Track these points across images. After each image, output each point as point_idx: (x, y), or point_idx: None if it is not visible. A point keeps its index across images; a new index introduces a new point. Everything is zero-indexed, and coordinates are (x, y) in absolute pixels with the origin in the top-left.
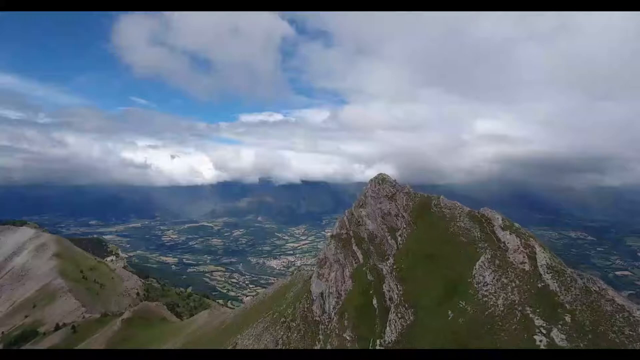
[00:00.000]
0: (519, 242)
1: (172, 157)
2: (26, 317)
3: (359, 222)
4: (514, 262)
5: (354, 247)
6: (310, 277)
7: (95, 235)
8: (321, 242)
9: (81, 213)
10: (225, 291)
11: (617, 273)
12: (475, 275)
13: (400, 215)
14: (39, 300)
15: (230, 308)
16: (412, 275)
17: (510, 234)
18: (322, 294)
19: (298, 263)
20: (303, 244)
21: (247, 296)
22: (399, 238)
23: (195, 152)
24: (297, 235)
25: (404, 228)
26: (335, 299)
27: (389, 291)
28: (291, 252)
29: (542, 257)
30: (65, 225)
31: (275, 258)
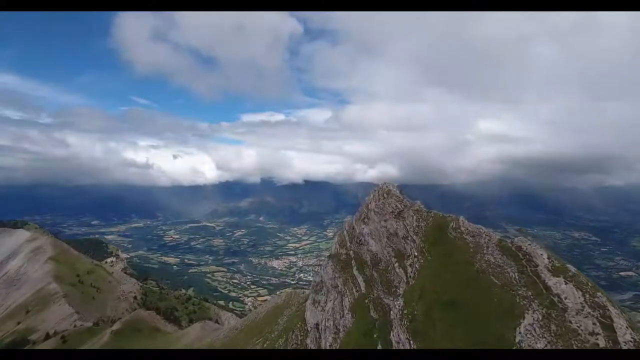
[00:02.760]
0: (582, 298)
1: (175, 157)
2: (19, 323)
3: (360, 240)
4: (580, 332)
5: (355, 272)
6: (306, 301)
7: (96, 236)
8: (323, 242)
9: (83, 213)
10: (226, 292)
11: (621, 274)
12: (522, 343)
13: (409, 238)
14: (32, 306)
15: (230, 310)
16: (429, 329)
17: (565, 282)
18: (317, 325)
19: (300, 263)
20: (305, 244)
21: (248, 297)
22: (409, 268)
23: (197, 152)
24: (299, 236)
25: (414, 256)
26: (333, 335)
27: (398, 343)
28: (293, 252)
29: (623, 327)
30: (67, 225)
31: (277, 258)
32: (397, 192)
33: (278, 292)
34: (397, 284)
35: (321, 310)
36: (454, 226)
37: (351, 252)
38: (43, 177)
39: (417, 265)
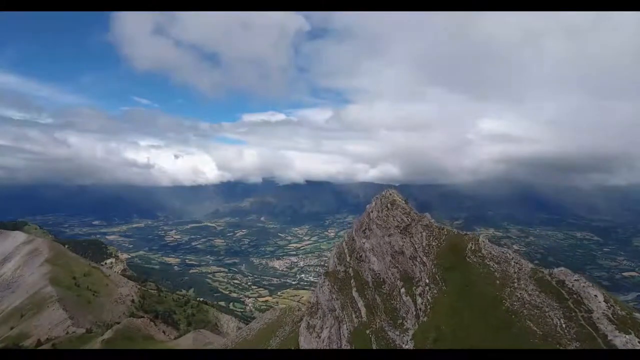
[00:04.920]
0: None
1: (176, 157)
2: (12, 328)
3: (360, 256)
4: None
5: (354, 293)
6: (301, 320)
7: (97, 236)
8: (324, 243)
9: (84, 213)
10: (227, 292)
11: (623, 274)
12: None
13: (418, 259)
14: (27, 310)
15: (231, 311)
16: None
17: (638, 339)
18: None
19: (301, 264)
20: (306, 245)
21: (249, 298)
22: (420, 299)
23: (198, 152)
24: (300, 236)
25: (426, 284)
26: None
27: None
28: (294, 252)
29: None
30: (69, 225)
31: (278, 259)
32: (403, 202)
33: (279, 293)
34: (404, 315)
35: (316, 337)
36: (472, 248)
37: (350, 269)
38: (44, 177)
39: (429, 296)
